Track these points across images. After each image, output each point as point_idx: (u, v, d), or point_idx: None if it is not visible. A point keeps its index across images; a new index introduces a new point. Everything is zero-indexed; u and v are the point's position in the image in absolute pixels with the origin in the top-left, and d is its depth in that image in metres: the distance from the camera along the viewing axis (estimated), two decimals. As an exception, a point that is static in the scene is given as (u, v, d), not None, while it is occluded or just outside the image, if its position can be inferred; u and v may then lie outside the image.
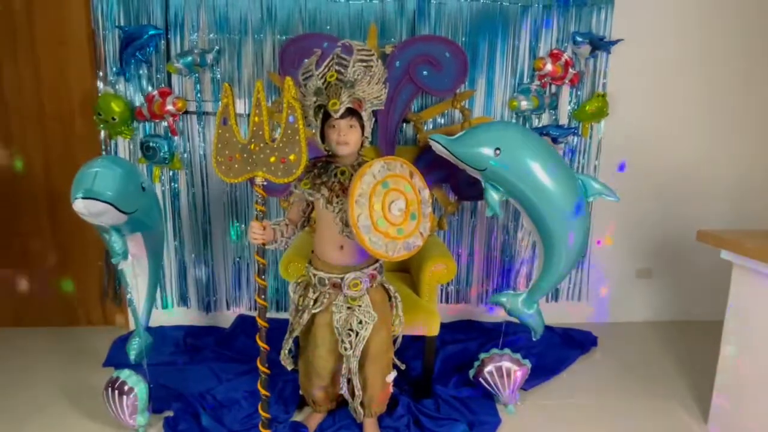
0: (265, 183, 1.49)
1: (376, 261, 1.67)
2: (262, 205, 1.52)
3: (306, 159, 1.41)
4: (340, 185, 1.57)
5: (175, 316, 2.71)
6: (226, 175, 1.50)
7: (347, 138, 1.54)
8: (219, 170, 1.51)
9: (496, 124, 1.97)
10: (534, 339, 2.01)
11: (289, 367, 1.76)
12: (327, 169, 1.60)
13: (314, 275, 1.65)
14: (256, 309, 1.57)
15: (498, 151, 1.69)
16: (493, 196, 1.79)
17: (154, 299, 2.08)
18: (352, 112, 1.53)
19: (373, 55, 1.55)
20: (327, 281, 1.62)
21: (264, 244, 1.53)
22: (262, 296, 1.54)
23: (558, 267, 1.84)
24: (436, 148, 1.83)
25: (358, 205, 1.41)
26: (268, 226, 1.54)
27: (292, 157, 1.41)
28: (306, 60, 1.61)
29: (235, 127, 1.46)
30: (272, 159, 1.43)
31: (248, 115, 2.40)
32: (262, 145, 1.43)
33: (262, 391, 1.57)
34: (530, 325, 1.98)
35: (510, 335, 2.47)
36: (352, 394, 1.69)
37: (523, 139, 1.76)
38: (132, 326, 2.64)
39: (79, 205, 1.52)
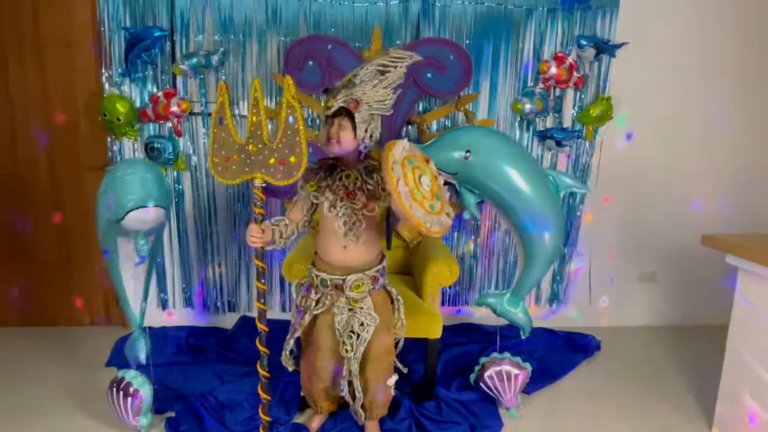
0: (264, 185, 1.47)
1: (379, 263, 1.67)
2: (261, 208, 1.50)
3: (306, 161, 1.39)
4: (344, 189, 1.57)
5: (178, 316, 2.72)
6: (223, 176, 1.47)
7: (338, 136, 1.50)
8: (215, 171, 1.47)
9: (465, 128, 2.00)
10: (522, 337, 2.00)
11: (291, 368, 1.76)
12: (332, 172, 1.60)
13: (316, 276, 1.65)
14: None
15: (468, 153, 1.71)
16: (469, 198, 1.81)
17: (147, 299, 2.06)
18: (347, 113, 1.50)
19: (397, 62, 1.52)
20: (329, 282, 1.62)
21: (263, 247, 1.53)
22: (262, 300, 1.54)
23: (537, 263, 1.84)
24: None
25: (395, 171, 1.37)
26: (267, 229, 1.53)
27: (292, 159, 1.39)
28: (312, 62, 1.61)
29: (232, 126, 1.43)
30: (271, 160, 1.40)
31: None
32: (260, 145, 1.40)
33: (263, 395, 1.57)
34: (518, 323, 1.97)
35: (512, 338, 2.47)
36: (353, 397, 1.69)
37: (492, 140, 1.79)
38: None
39: (151, 213, 1.55)
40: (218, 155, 1.46)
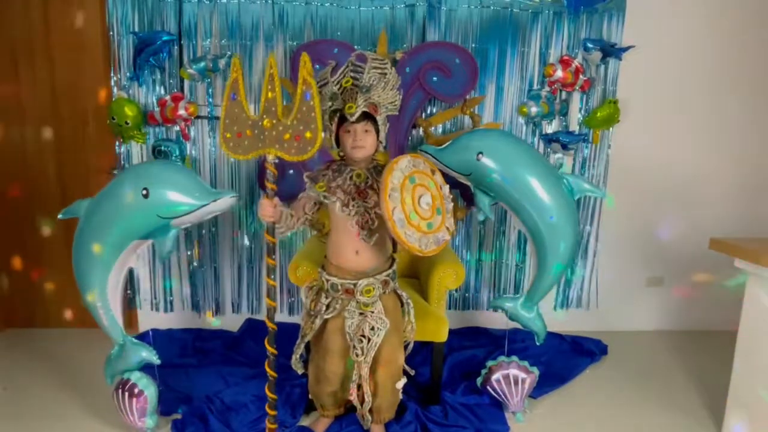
0: (276, 161, 1.46)
1: (390, 267, 1.67)
2: (274, 184, 1.49)
3: (321, 137, 1.39)
4: (355, 188, 1.58)
5: (183, 319, 2.72)
6: (234, 151, 1.47)
7: (363, 142, 1.56)
8: (227, 146, 1.47)
9: (480, 131, 2.04)
10: (537, 343, 2.00)
11: (300, 372, 1.76)
12: (342, 173, 1.61)
13: (327, 281, 1.65)
14: (265, 311, 1.57)
15: (480, 155, 1.73)
16: (483, 200, 1.83)
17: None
18: (368, 117, 1.55)
19: (386, 63, 1.58)
20: (340, 287, 1.62)
21: (274, 223, 1.53)
22: (272, 297, 1.54)
23: (551, 267, 1.84)
24: (426, 158, 1.86)
25: (392, 199, 1.42)
26: (278, 205, 1.52)
27: (308, 135, 1.37)
28: (319, 66, 1.63)
29: (245, 102, 1.43)
30: (286, 136, 1.40)
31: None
32: (275, 121, 1.40)
33: (270, 395, 1.57)
34: (532, 328, 1.97)
35: (518, 342, 2.46)
36: (362, 400, 1.68)
37: (504, 142, 1.81)
38: (141, 328, 2.67)
39: (233, 201, 1.59)
40: (230, 130, 1.46)
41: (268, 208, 1.49)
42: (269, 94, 1.40)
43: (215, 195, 1.58)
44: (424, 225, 1.48)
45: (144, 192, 1.57)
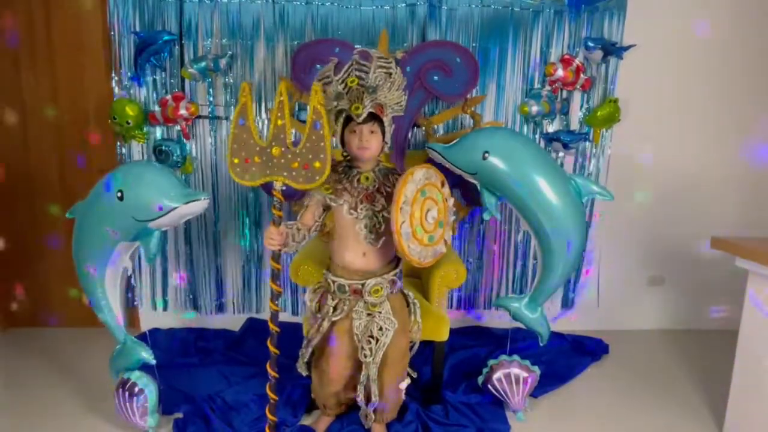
0: (284, 188, 1.47)
1: (396, 267, 1.67)
2: (280, 210, 1.50)
3: (330, 167, 1.41)
4: (364, 191, 1.57)
5: (185, 318, 2.73)
6: (241, 177, 1.46)
7: (369, 143, 1.55)
8: (233, 172, 1.47)
9: (487, 129, 2.02)
10: (541, 344, 2.00)
11: (304, 374, 1.76)
12: (348, 175, 1.60)
13: (333, 282, 1.63)
14: (267, 310, 1.57)
15: (486, 155, 1.73)
16: (490, 199, 1.83)
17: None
18: (374, 117, 1.54)
19: (391, 62, 1.56)
20: (347, 288, 1.61)
21: (280, 250, 1.53)
22: (276, 301, 1.54)
23: (557, 268, 1.84)
24: (433, 155, 1.88)
25: (402, 212, 1.43)
26: (284, 232, 1.52)
27: (317, 164, 1.40)
28: (320, 66, 1.62)
29: (254, 128, 1.44)
30: (294, 164, 1.41)
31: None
32: (284, 149, 1.41)
33: (271, 395, 1.57)
34: (535, 329, 1.97)
35: (519, 342, 2.45)
36: (367, 400, 1.68)
37: (511, 141, 1.80)
38: (143, 328, 2.67)
39: (204, 205, 1.57)
40: (238, 156, 1.45)
41: (275, 237, 1.48)
42: (279, 122, 1.40)
43: (188, 197, 1.56)
44: (426, 238, 1.51)
45: (119, 195, 1.56)
